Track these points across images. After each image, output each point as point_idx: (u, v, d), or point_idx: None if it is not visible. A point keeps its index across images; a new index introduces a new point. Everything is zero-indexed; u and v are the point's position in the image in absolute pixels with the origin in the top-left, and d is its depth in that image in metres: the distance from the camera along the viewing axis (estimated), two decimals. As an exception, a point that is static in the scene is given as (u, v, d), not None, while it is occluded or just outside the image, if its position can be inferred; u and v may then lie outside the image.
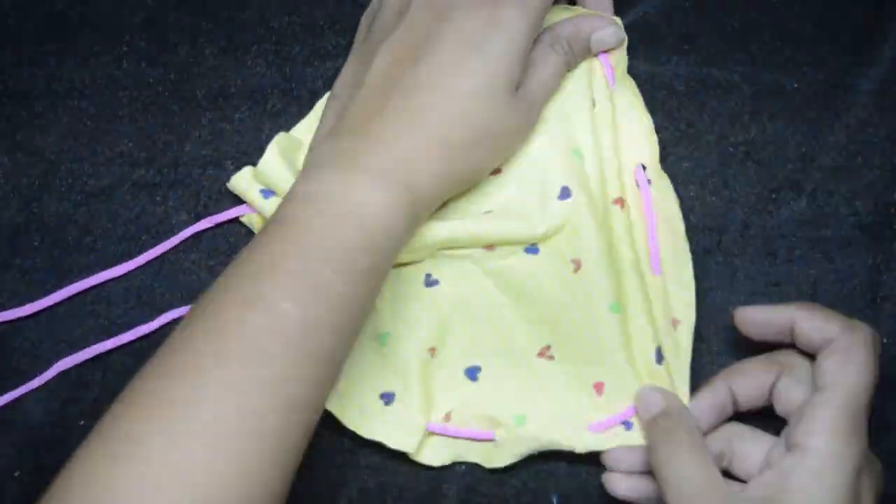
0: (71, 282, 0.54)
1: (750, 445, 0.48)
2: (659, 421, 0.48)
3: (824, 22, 0.55)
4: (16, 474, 0.52)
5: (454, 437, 0.52)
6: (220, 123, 0.56)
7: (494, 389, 0.52)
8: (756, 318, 0.49)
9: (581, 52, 0.53)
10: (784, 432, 0.47)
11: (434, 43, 0.49)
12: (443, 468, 0.53)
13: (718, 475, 0.46)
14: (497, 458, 0.52)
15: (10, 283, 0.54)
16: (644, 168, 0.53)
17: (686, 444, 0.47)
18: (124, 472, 0.39)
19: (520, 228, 0.53)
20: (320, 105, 0.55)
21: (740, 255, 0.53)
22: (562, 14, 0.54)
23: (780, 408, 0.48)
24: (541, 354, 0.52)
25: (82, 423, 0.52)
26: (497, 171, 0.53)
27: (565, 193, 0.53)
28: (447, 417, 0.52)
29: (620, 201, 0.53)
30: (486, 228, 0.52)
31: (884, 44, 0.55)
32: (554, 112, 0.53)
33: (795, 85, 0.55)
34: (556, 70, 0.52)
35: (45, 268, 0.54)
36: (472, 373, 0.53)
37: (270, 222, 0.46)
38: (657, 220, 0.53)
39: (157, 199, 0.55)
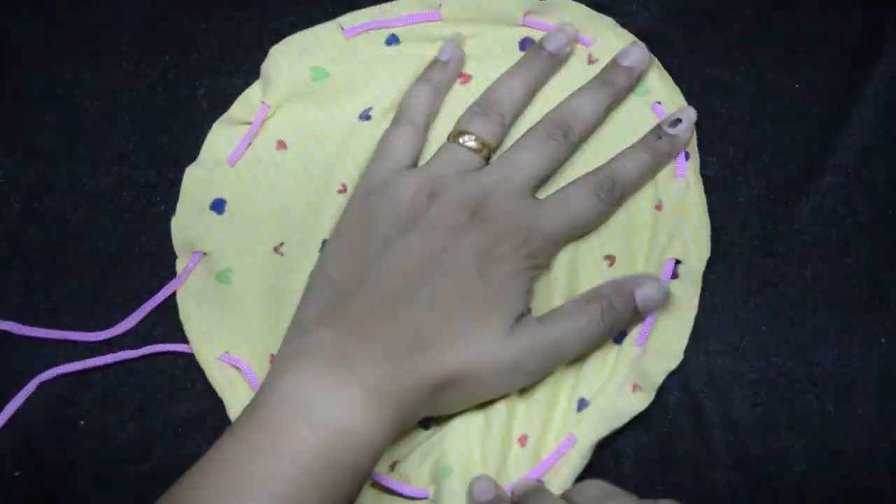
0: (72, 283, 0.54)
1: None
2: None
3: (827, 23, 0.55)
4: (16, 474, 0.52)
5: (390, 493, 0.52)
6: (219, 123, 0.56)
7: (444, 437, 0.51)
8: None
9: (624, 311, 0.50)
10: None
11: (451, 258, 0.47)
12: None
13: None
14: None
15: (10, 283, 0.54)
16: (677, 262, 0.52)
17: None
18: None
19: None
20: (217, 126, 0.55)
21: (738, 254, 0.52)
22: (609, 28, 0.53)
23: None
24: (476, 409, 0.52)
25: (82, 422, 0.52)
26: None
27: None
28: (392, 467, 0.52)
29: None
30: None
31: (885, 45, 0.55)
32: None
33: (797, 86, 0.55)
34: (580, 327, 0.49)
35: (45, 268, 0.54)
36: (425, 421, 0.52)
37: (252, 425, 0.44)
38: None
39: (157, 199, 0.55)
